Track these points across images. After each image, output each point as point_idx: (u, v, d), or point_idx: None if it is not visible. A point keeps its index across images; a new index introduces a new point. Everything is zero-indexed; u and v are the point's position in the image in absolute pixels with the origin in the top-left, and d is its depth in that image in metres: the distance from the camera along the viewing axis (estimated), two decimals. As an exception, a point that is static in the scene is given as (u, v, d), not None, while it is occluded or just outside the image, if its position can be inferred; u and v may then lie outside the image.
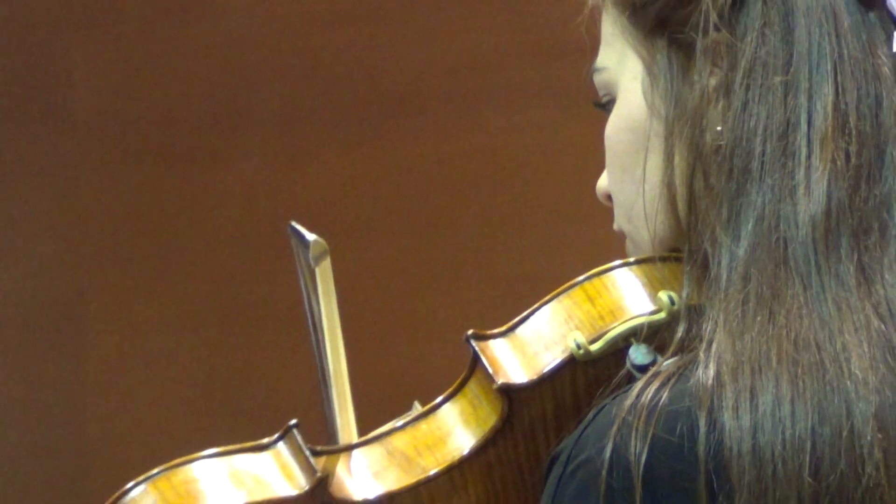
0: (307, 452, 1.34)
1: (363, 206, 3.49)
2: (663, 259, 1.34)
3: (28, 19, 3.42)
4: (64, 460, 3.26)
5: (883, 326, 1.23)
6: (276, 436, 1.35)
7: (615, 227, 1.39)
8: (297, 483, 1.33)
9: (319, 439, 1.41)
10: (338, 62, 3.40)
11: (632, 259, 1.35)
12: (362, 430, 1.46)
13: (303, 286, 1.50)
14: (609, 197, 1.38)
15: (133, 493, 1.34)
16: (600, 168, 1.49)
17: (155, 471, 1.35)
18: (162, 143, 3.41)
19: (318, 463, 1.35)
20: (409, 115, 3.45)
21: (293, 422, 1.36)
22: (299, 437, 1.35)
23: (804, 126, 1.28)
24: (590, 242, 2.03)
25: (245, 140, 3.44)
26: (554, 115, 3.13)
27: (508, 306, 1.38)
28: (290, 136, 3.43)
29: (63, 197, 3.36)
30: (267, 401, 3.40)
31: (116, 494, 1.35)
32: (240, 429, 3.19)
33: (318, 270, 1.44)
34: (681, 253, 1.32)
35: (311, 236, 1.44)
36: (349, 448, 1.37)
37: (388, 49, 3.42)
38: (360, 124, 3.43)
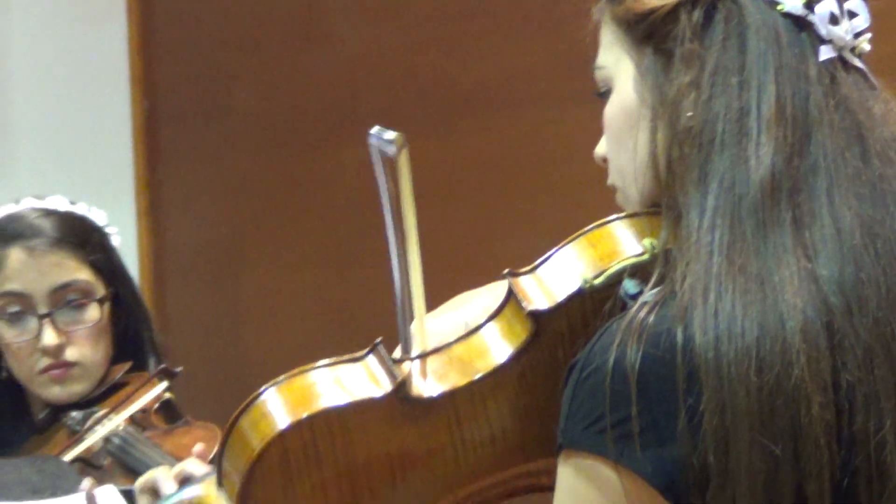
0: (389, 362, 1.49)
1: (442, 182, 3.90)
2: (646, 213, 1.50)
3: (201, 45, 3.99)
4: (226, 372, 3.64)
5: (808, 265, 1.40)
6: (365, 351, 1.51)
7: (609, 182, 1.57)
8: (383, 386, 1.48)
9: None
10: (424, 74, 3.88)
11: (623, 214, 1.51)
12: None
13: (383, 192, 1.60)
14: (604, 160, 1.56)
15: (264, 395, 1.49)
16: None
17: (280, 378, 1.50)
18: (296, 134, 3.91)
19: (398, 370, 1.50)
20: (475, 114, 3.90)
21: (378, 339, 1.52)
22: (383, 351, 1.50)
23: (754, 113, 1.44)
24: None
25: (354, 132, 3.80)
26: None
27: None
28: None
29: (225, 172, 3.87)
30: (373, 322, 3.88)
31: (252, 396, 1.50)
32: (355, 345, 4.13)
33: (399, 159, 1.55)
34: (660, 208, 1.48)
35: (391, 133, 1.55)
36: (419, 357, 1.52)
37: (462, 64, 3.90)
38: (436, 120, 3.88)
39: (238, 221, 3.88)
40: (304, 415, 1.49)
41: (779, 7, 1.48)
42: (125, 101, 4.07)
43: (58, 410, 2.54)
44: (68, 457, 2.45)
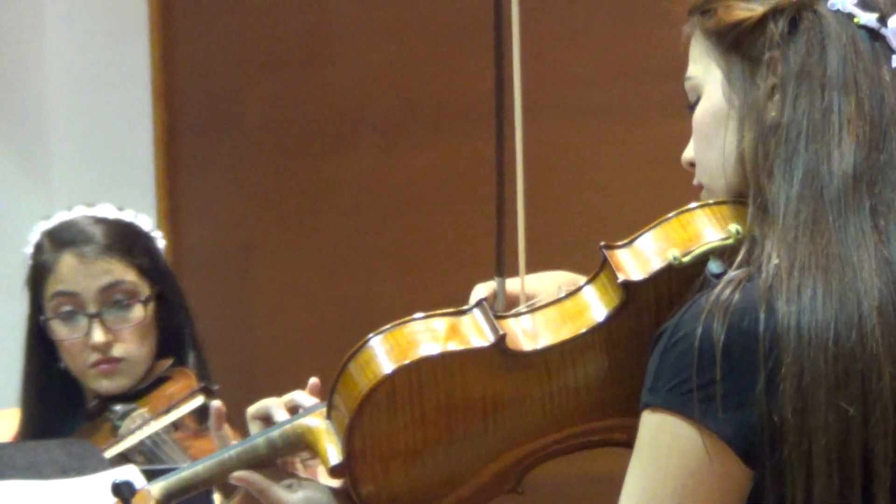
0: (493, 317, 1.55)
1: (432, 187, 3.91)
2: (731, 202, 1.54)
3: (217, 64, 4.05)
4: (237, 365, 3.59)
5: (885, 251, 1.45)
6: (472, 305, 1.57)
7: (695, 182, 1.59)
8: (487, 338, 1.54)
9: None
10: (418, 90, 3.92)
11: (710, 201, 1.55)
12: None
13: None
14: (691, 164, 1.59)
15: (372, 342, 1.54)
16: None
17: (386, 326, 1.55)
18: (303, 145, 3.97)
19: (500, 324, 1.55)
20: (464, 126, 3.85)
21: (483, 297, 1.59)
22: (487, 307, 1.56)
23: (836, 112, 1.49)
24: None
25: (357, 143, 3.91)
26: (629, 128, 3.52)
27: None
28: (388, 137, 3.91)
29: (238, 180, 3.91)
30: (376, 320, 3.82)
31: (360, 343, 1.55)
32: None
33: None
34: (742, 199, 1.52)
35: None
36: (520, 314, 1.58)
37: (453, 81, 3.90)
38: (429, 132, 3.95)
39: (249, 226, 3.91)
40: (413, 359, 1.53)
41: (855, 20, 1.52)
42: (148, 114, 4.14)
43: (105, 401, 2.55)
44: (110, 453, 2.43)
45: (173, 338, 2.61)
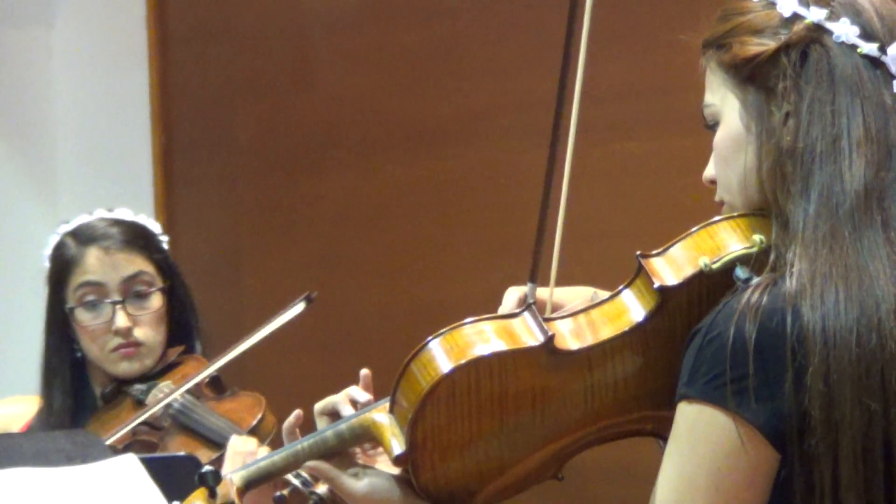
0: (540, 320, 1.59)
1: (407, 202, 4.00)
2: (751, 214, 1.58)
3: (209, 88, 4.13)
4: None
5: None
6: (521, 309, 1.61)
7: (717, 198, 1.62)
8: (537, 338, 1.57)
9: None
10: (393, 113, 3.98)
11: (734, 214, 1.59)
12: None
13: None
14: (712, 181, 1.61)
15: (432, 344, 1.58)
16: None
17: (443, 329, 1.59)
18: (288, 162, 4.05)
19: (548, 326, 1.58)
20: (437, 146, 4.01)
21: (532, 301, 1.65)
22: (536, 311, 1.60)
23: (846, 136, 1.52)
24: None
25: (337, 160, 3.96)
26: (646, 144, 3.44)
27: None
28: (365, 155, 3.98)
29: (228, 194, 3.95)
30: (355, 322, 3.90)
31: (421, 345, 1.58)
32: (339, 341, 3.57)
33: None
34: (762, 211, 1.55)
35: None
36: (565, 316, 1.61)
37: (426, 104, 3.99)
38: (404, 151, 4.04)
39: (239, 235, 3.93)
40: (470, 358, 1.58)
41: (858, 50, 1.55)
42: (146, 134, 4.22)
43: (121, 384, 2.64)
44: (137, 421, 2.54)
45: (182, 328, 2.70)
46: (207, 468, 1.71)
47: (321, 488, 1.92)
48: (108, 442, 2.45)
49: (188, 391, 2.59)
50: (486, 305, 1.75)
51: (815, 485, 1.49)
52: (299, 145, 4.06)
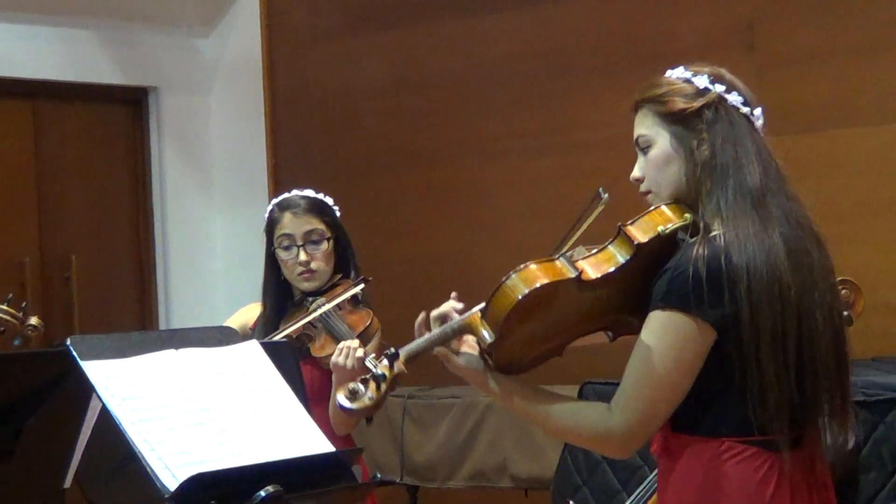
0: (571, 261, 2.07)
1: (387, 216, 4.69)
2: (676, 202, 2.09)
3: (308, 130, 4.85)
4: None
5: (779, 229, 2.03)
6: (557, 254, 2.07)
7: (642, 189, 2.10)
8: (571, 273, 2.07)
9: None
10: (374, 136, 4.54)
11: (669, 201, 2.08)
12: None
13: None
14: (637, 180, 2.10)
15: (513, 275, 2.05)
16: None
17: (519, 266, 2.06)
18: (356, 165, 4.62)
19: (576, 265, 2.08)
20: (416, 165, 4.68)
21: (566, 250, 2.08)
22: (568, 253, 2.07)
23: (745, 156, 2.05)
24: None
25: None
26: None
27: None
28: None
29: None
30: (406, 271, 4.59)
31: (506, 276, 2.04)
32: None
33: (595, 205, 2.03)
34: (680, 200, 2.07)
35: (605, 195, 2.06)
36: (579, 259, 2.09)
37: (405, 128, 4.61)
38: (385, 171, 4.69)
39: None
40: (537, 285, 2.03)
41: (741, 110, 2.08)
42: (263, 154, 5.27)
43: (305, 295, 3.26)
44: (301, 322, 3.14)
45: (342, 263, 3.30)
46: (392, 350, 2.11)
47: (381, 370, 2.17)
48: (286, 332, 3.15)
49: (338, 306, 3.19)
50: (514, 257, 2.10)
51: (746, 357, 1.98)
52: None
